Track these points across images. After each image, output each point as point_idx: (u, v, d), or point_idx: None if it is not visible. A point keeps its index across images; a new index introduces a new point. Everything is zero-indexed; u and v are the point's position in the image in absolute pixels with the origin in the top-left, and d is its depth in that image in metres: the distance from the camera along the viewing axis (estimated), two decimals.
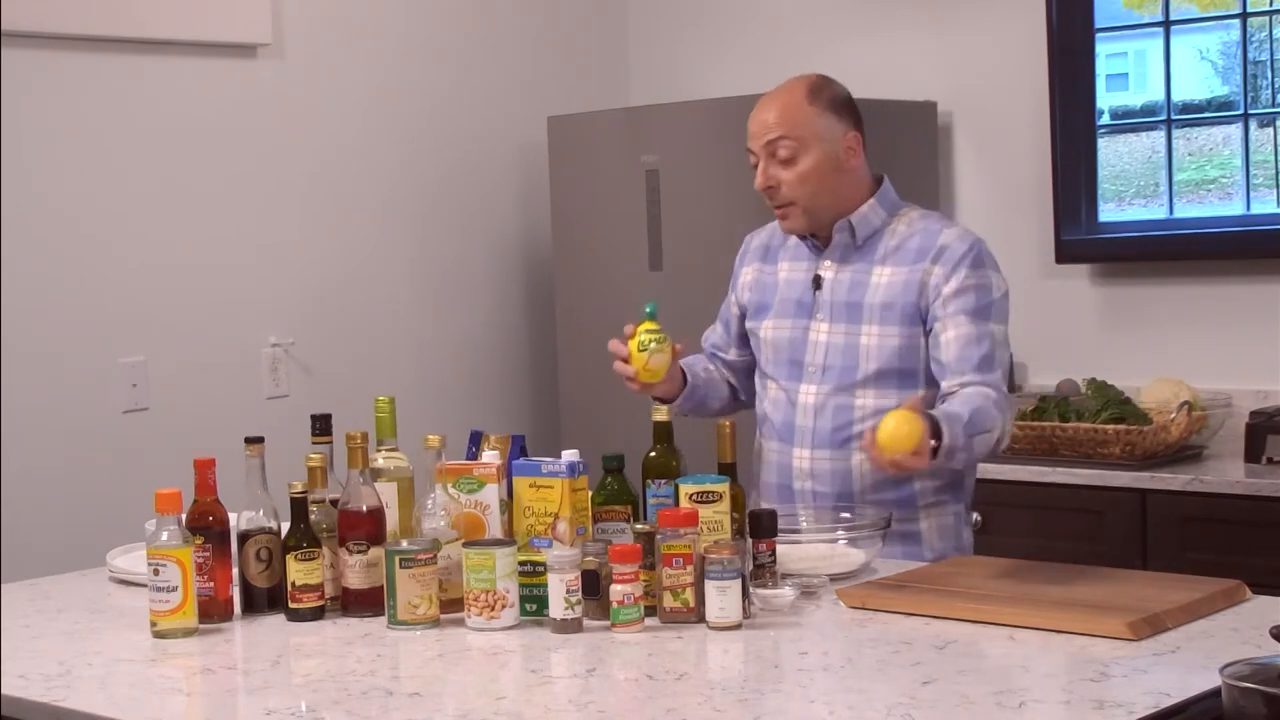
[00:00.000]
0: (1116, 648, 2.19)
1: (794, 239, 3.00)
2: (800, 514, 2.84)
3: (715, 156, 4.36)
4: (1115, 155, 4.32)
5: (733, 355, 3.13)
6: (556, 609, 2.39)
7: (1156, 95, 4.26)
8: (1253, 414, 3.93)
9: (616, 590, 2.37)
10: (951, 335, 2.80)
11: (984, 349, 2.79)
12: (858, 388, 2.88)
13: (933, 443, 2.55)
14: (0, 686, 2.22)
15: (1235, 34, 4.14)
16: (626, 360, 2.84)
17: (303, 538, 2.54)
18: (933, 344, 2.84)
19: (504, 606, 2.41)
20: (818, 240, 2.96)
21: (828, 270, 2.94)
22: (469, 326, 4.86)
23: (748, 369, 3.12)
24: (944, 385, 2.81)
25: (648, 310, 2.85)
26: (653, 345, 2.82)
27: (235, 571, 2.58)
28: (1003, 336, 2.85)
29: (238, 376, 4.33)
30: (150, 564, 2.46)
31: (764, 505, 2.86)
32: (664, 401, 2.92)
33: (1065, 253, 4.37)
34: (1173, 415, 3.96)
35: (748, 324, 3.05)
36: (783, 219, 2.93)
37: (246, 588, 2.58)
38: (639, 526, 2.49)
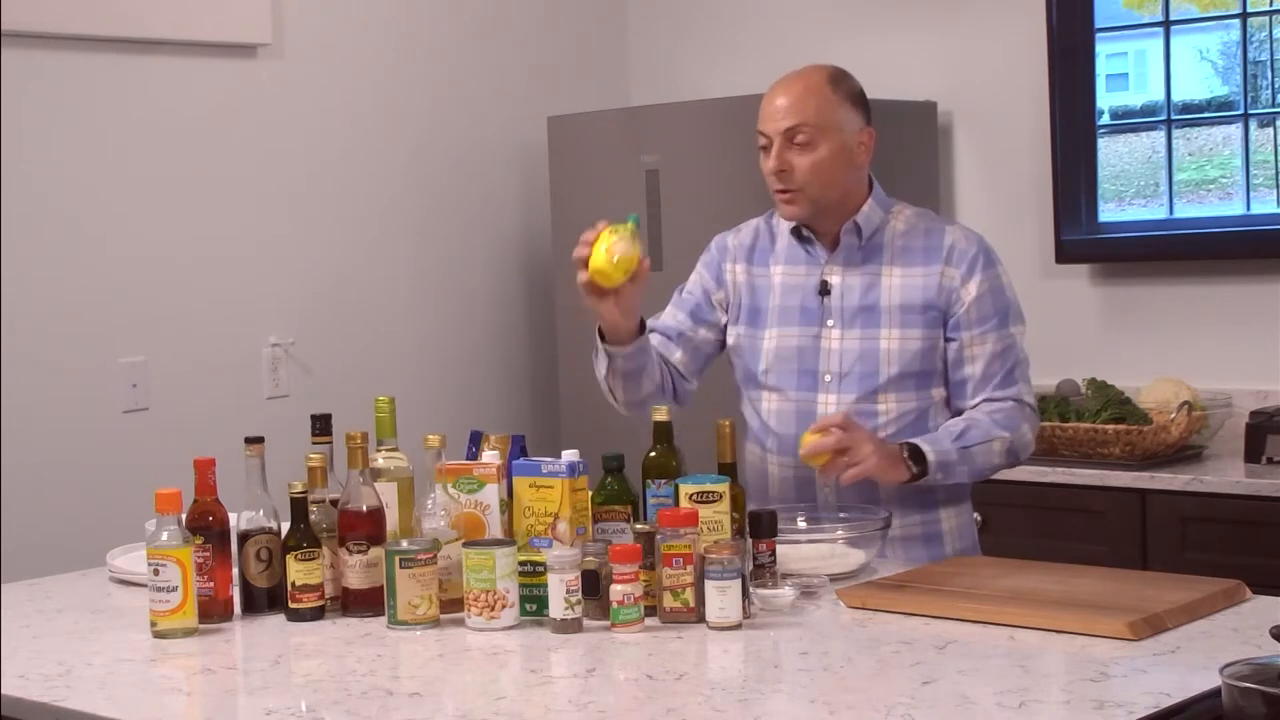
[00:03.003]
0: (1116, 648, 2.19)
1: (783, 243, 2.96)
2: (799, 514, 2.84)
3: (715, 156, 4.36)
4: (1115, 155, 4.33)
5: (701, 335, 2.99)
6: (556, 609, 2.39)
7: (1156, 95, 4.26)
8: (1253, 414, 3.93)
9: (616, 590, 2.37)
10: (976, 352, 2.86)
11: (1008, 363, 2.86)
12: (880, 393, 2.86)
13: (904, 451, 2.74)
14: (0, 686, 2.23)
15: (1235, 34, 4.14)
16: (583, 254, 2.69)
17: (303, 538, 2.54)
18: (955, 358, 2.87)
19: (504, 606, 2.41)
20: (815, 243, 2.94)
21: (834, 275, 2.90)
22: (469, 326, 4.86)
23: (706, 350, 3.01)
24: (966, 403, 2.88)
25: (630, 219, 2.71)
26: (617, 234, 2.68)
27: (235, 571, 2.58)
28: (1022, 336, 2.91)
29: (238, 376, 4.33)
30: (150, 564, 2.46)
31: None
32: (615, 343, 2.82)
33: (1065, 253, 4.37)
34: (1173, 415, 3.97)
35: (734, 328, 2.98)
36: (787, 204, 2.86)
37: (246, 588, 2.58)
38: (639, 526, 2.49)
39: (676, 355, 2.98)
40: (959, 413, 2.90)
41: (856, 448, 2.69)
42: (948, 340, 2.87)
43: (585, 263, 2.70)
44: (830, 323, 2.90)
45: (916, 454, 2.76)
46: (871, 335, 2.87)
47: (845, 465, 2.69)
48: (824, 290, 2.91)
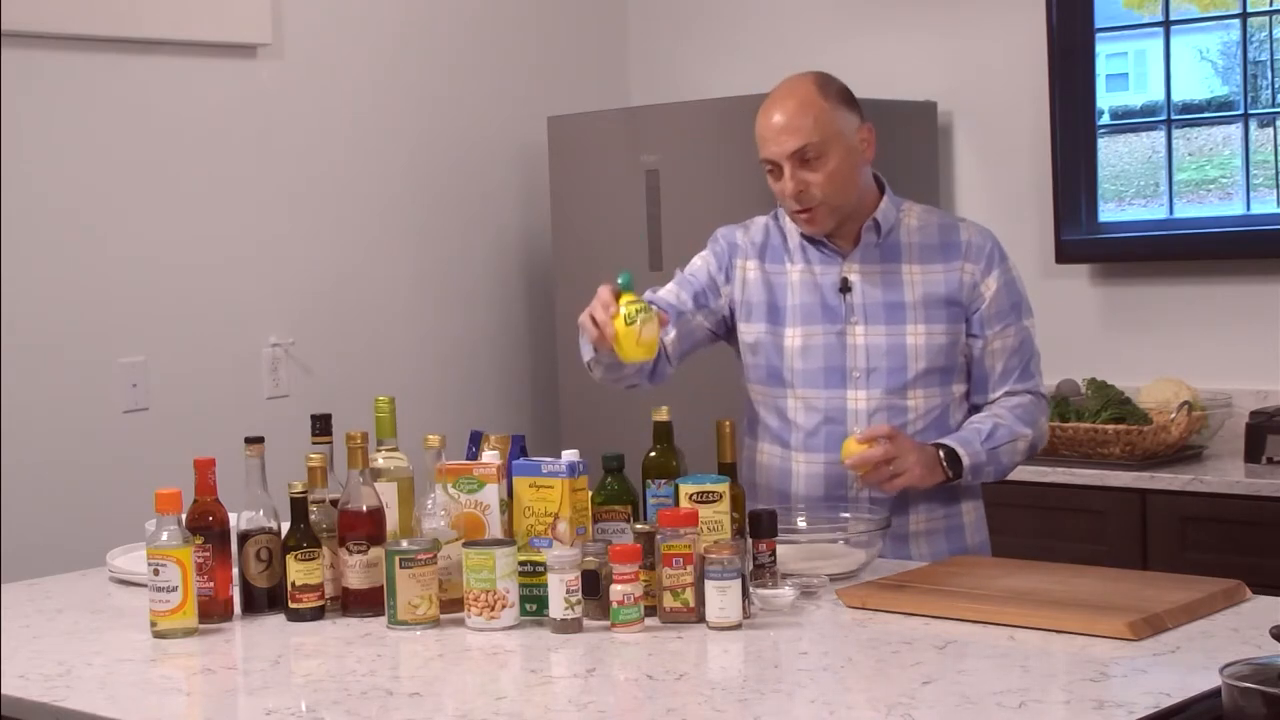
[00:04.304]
0: (1116, 648, 2.19)
1: (796, 241, 2.95)
2: (799, 514, 2.84)
3: (715, 156, 4.36)
4: (1115, 155, 4.33)
5: (697, 320, 2.96)
6: (556, 609, 2.39)
7: (1156, 95, 4.26)
8: (1253, 414, 3.94)
9: (616, 590, 2.37)
10: (997, 346, 2.91)
11: (1025, 356, 2.94)
12: (909, 388, 2.88)
13: (940, 454, 2.80)
14: (0, 686, 2.23)
15: (1235, 34, 4.14)
16: (605, 337, 2.65)
17: (303, 538, 2.54)
18: (979, 354, 2.92)
19: (504, 606, 2.41)
20: (831, 243, 2.93)
21: (854, 273, 2.91)
22: (469, 326, 4.86)
23: (697, 336, 2.98)
24: (987, 397, 2.93)
25: (620, 281, 2.67)
26: (640, 317, 2.63)
27: (235, 571, 2.58)
28: (1034, 328, 2.97)
29: (238, 376, 4.33)
30: (150, 564, 2.46)
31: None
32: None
33: (1065, 253, 4.37)
34: (1173, 415, 3.97)
35: (751, 326, 2.96)
36: (808, 222, 2.87)
37: (246, 588, 2.58)
38: (639, 526, 2.49)
39: (670, 335, 2.93)
40: (977, 407, 2.94)
41: (902, 458, 2.75)
42: (971, 336, 2.91)
43: (600, 331, 2.66)
44: (854, 319, 2.90)
45: (951, 457, 2.81)
46: (897, 331, 2.88)
47: (891, 475, 2.75)
48: (845, 287, 2.91)
